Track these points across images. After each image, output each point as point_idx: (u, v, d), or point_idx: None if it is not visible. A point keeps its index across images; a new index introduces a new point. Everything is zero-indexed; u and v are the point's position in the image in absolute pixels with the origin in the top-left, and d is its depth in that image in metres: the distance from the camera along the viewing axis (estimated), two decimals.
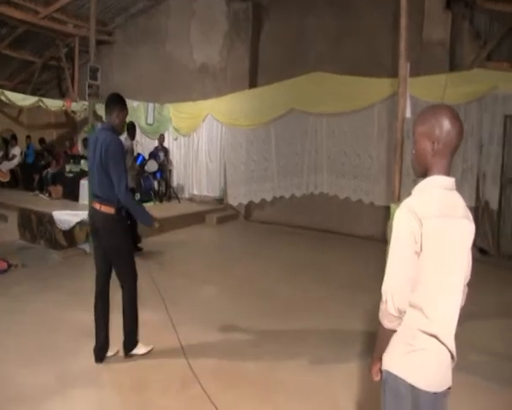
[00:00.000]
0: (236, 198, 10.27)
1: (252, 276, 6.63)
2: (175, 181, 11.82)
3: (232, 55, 10.44)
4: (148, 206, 10.20)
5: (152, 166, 10.82)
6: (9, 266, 6.45)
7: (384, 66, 8.43)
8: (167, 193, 11.23)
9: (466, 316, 1.97)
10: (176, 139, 11.80)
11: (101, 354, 3.80)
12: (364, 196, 9.15)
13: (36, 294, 5.49)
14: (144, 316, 4.17)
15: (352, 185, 9.26)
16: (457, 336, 1.82)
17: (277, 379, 3.71)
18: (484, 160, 8.08)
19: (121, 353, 3.95)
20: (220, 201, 10.94)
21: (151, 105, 11.44)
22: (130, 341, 3.87)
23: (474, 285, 1.77)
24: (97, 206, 3.65)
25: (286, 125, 9.70)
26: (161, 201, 10.88)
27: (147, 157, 10.97)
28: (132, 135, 7.71)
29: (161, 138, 11.32)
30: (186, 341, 4.22)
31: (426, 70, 7.92)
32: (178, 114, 11.33)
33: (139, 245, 7.40)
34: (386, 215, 8.84)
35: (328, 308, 5.42)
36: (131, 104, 12.06)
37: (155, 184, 10.95)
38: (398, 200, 4.51)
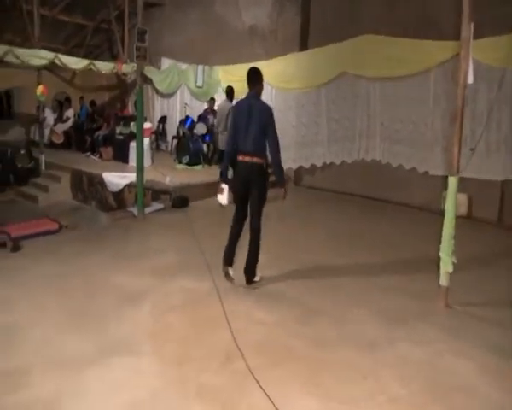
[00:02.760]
0: (286, 162, 10.39)
1: (303, 246, 6.48)
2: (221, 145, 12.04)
3: (282, 17, 10.45)
4: (197, 169, 10.63)
5: (201, 128, 11.06)
6: (60, 227, 6.88)
7: (441, 27, 8.19)
8: (215, 156, 11.44)
9: None
10: None
11: (229, 260, 4.81)
12: (418, 164, 9.06)
13: (83, 256, 5.68)
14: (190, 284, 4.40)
15: (405, 153, 9.19)
16: None
17: (325, 358, 3.64)
18: None
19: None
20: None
21: (200, 67, 11.67)
22: (253, 270, 4.82)
23: None
24: (249, 158, 4.53)
25: (337, 88, 9.69)
26: (210, 164, 11.09)
27: (196, 120, 11.27)
28: (231, 98, 8.97)
29: (211, 102, 11.55)
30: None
31: (490, 32, 7.67)
32: (228, 76, 11.42)
33: None
34: (438, 185, 8.88)
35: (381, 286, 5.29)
36: (180, 67, 12.43)
37: (204, 147, 11.18)
38: (458, 172, 4.67)
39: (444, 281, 4.60)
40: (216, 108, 11.06)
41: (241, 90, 11.16)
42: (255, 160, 4.54)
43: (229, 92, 9.16)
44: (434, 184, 8.77)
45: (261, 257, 4.91)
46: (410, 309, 4.58)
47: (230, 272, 4.85)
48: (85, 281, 4.95)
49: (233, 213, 4.92)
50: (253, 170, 4.57)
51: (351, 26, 9.25)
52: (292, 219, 8.09)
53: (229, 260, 4.85)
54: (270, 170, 4.78)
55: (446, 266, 4.51)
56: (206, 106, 11.80)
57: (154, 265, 5.41)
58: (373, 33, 8.78)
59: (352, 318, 4.36)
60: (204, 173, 10.24)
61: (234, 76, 11.30)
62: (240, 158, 4.63)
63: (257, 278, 4.91)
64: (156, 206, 8.30)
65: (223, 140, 8.85)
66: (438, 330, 4.16)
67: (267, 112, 4.57)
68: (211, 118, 11.36)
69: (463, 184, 8.68)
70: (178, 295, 4.68)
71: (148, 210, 7.96)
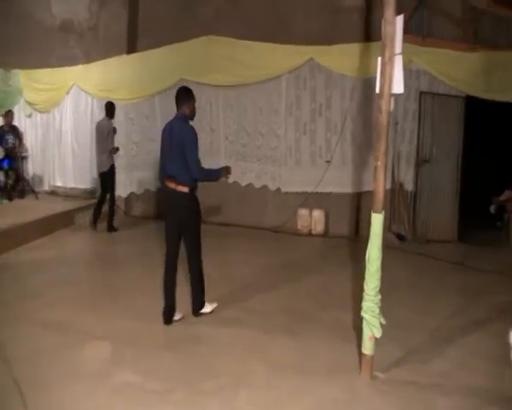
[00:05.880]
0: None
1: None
2: (30, 171, 10.06)
3: (105, 11, 8.90)
4: None
5: None
6: None
7: (293, 31, 7.87)
8: (19, 187, 9.40)
9: None
10: (29, 116, 10.00)
11: (169, 316, 4.48)
12: (270, 181, 8.57)
13: None
14: None
15: (255, 169, 8.60)
16: None
17: None
18: (399, 139, 7.96)
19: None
20: (93, 194, 9.43)
21: None
22: (200, 301, 4.68)
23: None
24: (173, 185, 4.36)
25: (174, 98, 8.64)
26: (10, 198, 9.05)
27: None
28: (111, 114, 7.92)
29: (9, 116, 9.45)
30: None
31: (341, 39, 7.57)
32: (32, 83, 9.63)
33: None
34: (295, 204, 8.48)
35: None
36: None
37: (1, 175, 9.20)
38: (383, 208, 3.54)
39: (368, 349, 3.60)
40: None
41: (50, 102, 9.49)
42: (179, 188, 4.34)
43: (109, 108, 7.90)
44: (292, 202, 8.30)
45: None
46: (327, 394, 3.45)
47: (176, 318, 4.55)
48: None
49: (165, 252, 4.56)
50: (177, 198, 4.38)
51: (190, 24, 8.36)
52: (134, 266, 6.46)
53: (169, 316, 4.50)
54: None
55: (373, 329, 3.56)
56: (1, 122, 9.61)
57: None
58: (216, 34, 8.06)
59: None
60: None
61: (40, 83, 9.48)
62: (166, 184, 4.44)
63: (206, 309, 4.74)
64: None
65: (102, 162, 7.86)
66: None
67: (185, 134, 4.32)
68: (10, 137, 9.29)
69: (320, 200, 8.59)
70: None
71: None
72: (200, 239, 4.58)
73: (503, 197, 8.76)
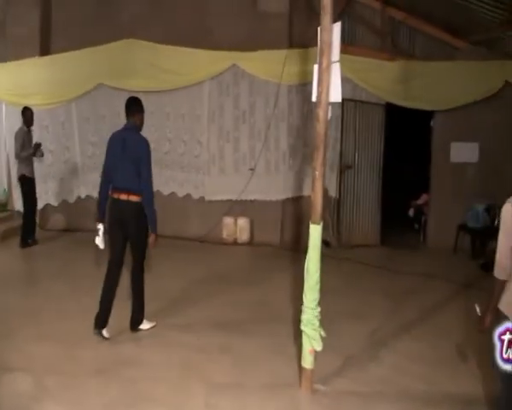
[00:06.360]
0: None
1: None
2: None
3: (14, 8, 8.22)
4: None
5: None
6: None
7: (215, 36, 7.74)
8: None
9: None
10: None
11: (101, 323, 4.27)
12: (193, 189, 8.39)
13: None
14: None
15: (178, 178, 8.38)
16: None
17: None
18: None
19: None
20: (3, 207, 8.74)
21: None
22: (138, 324, 4.51)
23: None
24: (125, 196, 4.26)
25: (93, 103, 8.32)
26: None
27: None
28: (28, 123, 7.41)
29: None
30: None
31: (265, 45, 7.55)
32: None
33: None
34: (219, 213, 8.30)
35: None
36: None
37: None
38: (321, 218, 3.48)
39: (308, 363, 3.51)
40: None
41: None
42: (131, 198, 4.27)
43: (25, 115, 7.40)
44: (216, 210, 8.15)
45: None
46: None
47: (105, 334, 4.30)
48: None
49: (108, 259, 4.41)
50: (128, 209, 4.30)
51: (107, 26, 7.95)
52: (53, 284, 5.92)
53: (102, 321, 4.30)
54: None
55: (313, 343, 3.46)
56: None
57: None
58: (135, 37, 7.78)
59: None
60: None
61: None
62: (114, 196, 4.33)
63: (144, 326, 4.57)
64: None
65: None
66: None
67: (142, 145, 4.32)
68: None
69: (244, 208, 8.49)
70: None
71: None
72: (145, 253, 4.49)
73: (420, 201, 9.14)
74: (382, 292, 6.04)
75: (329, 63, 3.34)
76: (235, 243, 8.21)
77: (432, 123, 8.39)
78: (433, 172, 8.44)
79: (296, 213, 8.18)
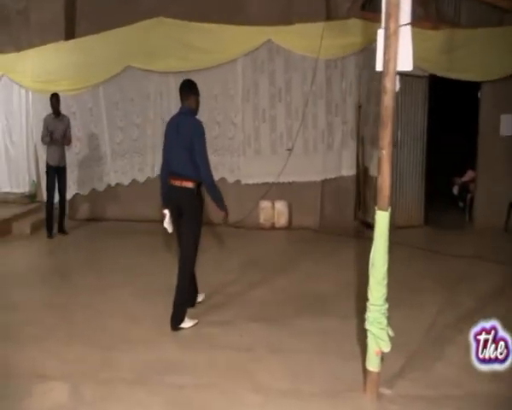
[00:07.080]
0: None
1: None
2: None
3: None
4: None
5: None
6: None
7: (248, 11, 7.40)
8: None
9: None
10: None
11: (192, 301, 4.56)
12: (228, 173, 8.09)
13: None
14: None
15: (211, 162, 8.02)
16: None
17: None
18: (362, 122, 7.70)
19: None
20: (32, 198, 8.55)
21: None
22: (178, 314, 4.27)
23: None
24: (178, 182, 4.21)
25: (121, 88, 8.06)
26: None
27: None
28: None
29: None
30: None
31: (300, 18, 7.20)
32: None
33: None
34: (256, 197, 7.99)
35: None
36: None
37: None
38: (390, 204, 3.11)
39: (374, 365, 3.16)
40: None
41: None
42: (184, 184, 4.21)
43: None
44: (255, 194, 7.85)
45: None
46: None
47: (200, 298, 4.75)
48: None
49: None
50: (182, 195, 4.25)
51: (134, 6, 7.66)
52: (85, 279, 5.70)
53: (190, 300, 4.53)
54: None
55: (380, 343, 3.11)
56: None
57: None
58: (163, 16, 7.45)
59: None
60: None
61: None
62: (170, 182, 4.30)
63: (186, 324, 4.33)
64: None
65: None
66: None
67: (194, 128, 4.24)
68: None
69: (282, 191, 8.20)
70: None
71: None
72: (196, 243, 4.30)
73: (465, 178, 8.74)
74: (432, 277, 5.61)
75: (398, 27, 2.99)
76: (272, 227, 7.93)
77: (479, 94, 7.95)
78: (481, 146, 7.99)
79: (336, 194, 7.87)
